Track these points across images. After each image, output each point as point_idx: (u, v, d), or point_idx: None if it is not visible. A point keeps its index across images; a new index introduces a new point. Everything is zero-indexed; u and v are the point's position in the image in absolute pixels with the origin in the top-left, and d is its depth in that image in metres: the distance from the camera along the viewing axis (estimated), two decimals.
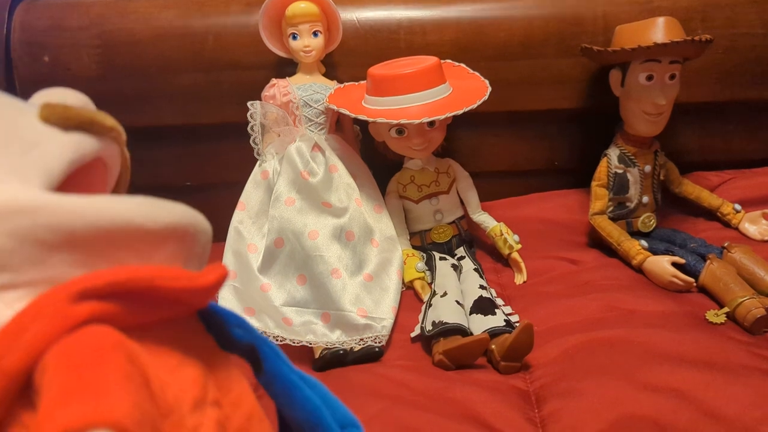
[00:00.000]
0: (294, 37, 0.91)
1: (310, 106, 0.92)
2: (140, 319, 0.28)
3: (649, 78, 0.90)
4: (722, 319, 0.75)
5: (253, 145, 0.92)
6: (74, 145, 0.30)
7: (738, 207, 1.00)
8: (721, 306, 0.78)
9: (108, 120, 0.32)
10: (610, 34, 0.96)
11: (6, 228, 0.25)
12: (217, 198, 0.93)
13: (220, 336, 0.35)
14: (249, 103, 0.91)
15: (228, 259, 0.87)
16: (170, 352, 0.30)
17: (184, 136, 1.05)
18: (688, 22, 0.96)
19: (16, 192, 0.26)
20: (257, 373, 0.37)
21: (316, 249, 0.83)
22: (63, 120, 0.30)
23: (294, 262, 0.84)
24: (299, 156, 0.89)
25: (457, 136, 1.06)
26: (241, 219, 0.89)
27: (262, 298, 0.82)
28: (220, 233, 0.90)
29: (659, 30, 0.88)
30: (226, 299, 0.82)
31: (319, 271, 0.82)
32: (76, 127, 0.31)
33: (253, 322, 0.80)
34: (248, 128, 0.91)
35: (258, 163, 0.93)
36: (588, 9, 1.03)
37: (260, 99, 0.93)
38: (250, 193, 0.91)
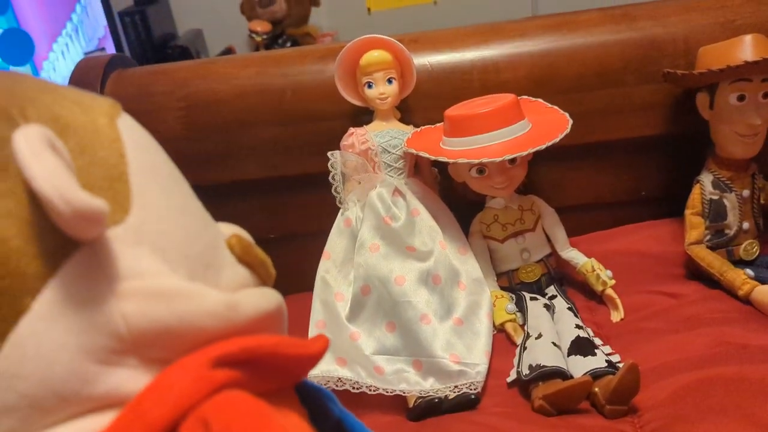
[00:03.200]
0: (369, 86, 0.93)
1: (389, 152, 0.92)
2: (262, 386, 0.30)
3: (741, 98, 0.85)
4: None
5: (334, 194, 0.93)
6: (240, 280, 0.36)
7: None
8: None
9: (272, 269, 0.39)
10: (692, 56, 0.93)
11: (174, 309, 0.29)
12: (302, 248, 0.94)
13: (312, 410, 0.37)
14: (329, 153, 0.92)
15: (316, 309, 0.87)
16: (288, 417, 0.31)
17: (267, 188, 1.07)
18: None
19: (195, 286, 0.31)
20: None
21: (403, 295, 0.82)
22: (243, 255, 0.36)
23: (382, 309, 0.83)
24: (381, 202, 0.89)
25: (538, 172, 1.03)
26: (327, 268, 0.89)
27: (352, 347, 0.82)
28: (306, 283, 0.91)
29: (747, 47, 0.84)
30: None
31: (408, 317, 0.81)
32: (248, 264, 0.37)
33: (345, 372, 0.79)
34: (329, 178, 0.92)
35: (340, 211, 0.93)
36: (666, 32, 1.00)
37: (339, 148, 0.94)
38: (335, 242, 0.91)
